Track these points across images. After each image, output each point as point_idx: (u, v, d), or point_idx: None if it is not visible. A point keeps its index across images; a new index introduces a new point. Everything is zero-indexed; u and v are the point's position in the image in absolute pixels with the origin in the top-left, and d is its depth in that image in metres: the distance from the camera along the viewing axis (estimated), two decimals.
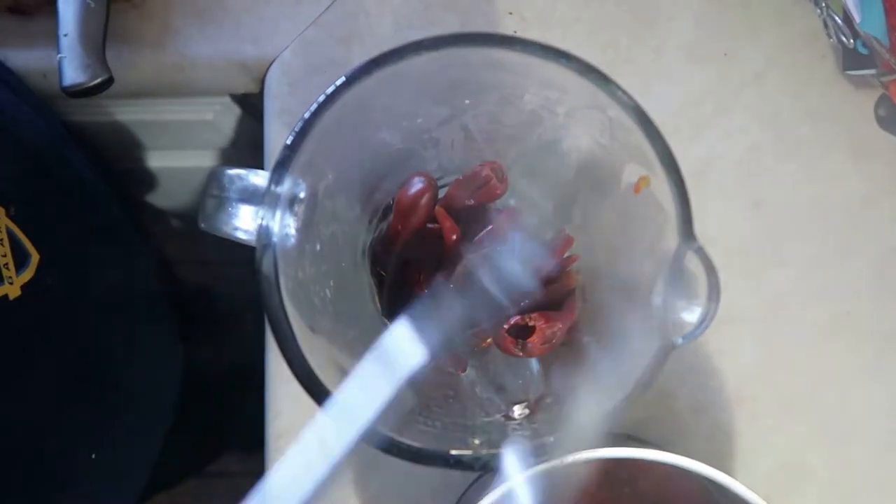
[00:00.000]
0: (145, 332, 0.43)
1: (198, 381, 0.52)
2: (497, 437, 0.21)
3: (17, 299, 0.31)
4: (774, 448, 0.35)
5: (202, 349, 0.55)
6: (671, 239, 0.20)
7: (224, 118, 0.47)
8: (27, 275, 0.31)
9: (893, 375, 0.35)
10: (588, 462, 0.27)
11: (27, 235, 0.32)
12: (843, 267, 0.36)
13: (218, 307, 0.65)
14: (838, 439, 0.35)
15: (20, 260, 0.31)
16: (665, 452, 0.28)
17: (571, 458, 0.27)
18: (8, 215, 0.31)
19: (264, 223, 0.20)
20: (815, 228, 0.36)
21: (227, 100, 0.45)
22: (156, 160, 0.52)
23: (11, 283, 0.30)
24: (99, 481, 0.39)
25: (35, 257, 0.32)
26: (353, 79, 0.21)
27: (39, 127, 0.37)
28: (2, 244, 0.30)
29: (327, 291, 0.25)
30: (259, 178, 0.23)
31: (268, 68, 0.38)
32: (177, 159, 0.52)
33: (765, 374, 0.35)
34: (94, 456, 0.36)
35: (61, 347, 0.34)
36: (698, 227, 0.36)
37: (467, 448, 0.20)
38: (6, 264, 0.30)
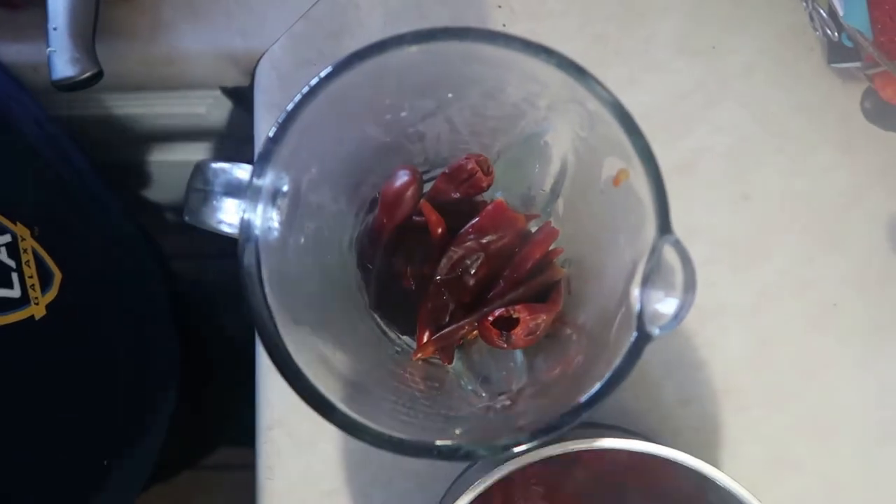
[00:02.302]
0: (151, 333, 0.43)
1: (192, 375, 0.52)
2: (478, 428, 0.22)
3: (42, 319, 0.31)
4: (761, 439, 0.35)
5: (197, 342, 0.55)
6: (650, 231, 0.20)
7: (216, 111, 0.47)
8: (51, 294, 0.32)
9: (879, 367, 0.36)
10: (574, 453, 0.27)
11: (50, 255, 0.32)
12: (830, 259, 0.36)
13: (211, 300, 0.65)
14: (825, 430, 0.35)
15: (45, 280, 0.32)
16: (652, 443, 0.28)
17: (557, 448, 0.27)
18: (33, 236, 0.32)
19: (246, 217, 0.21)
20: (802, 221, 0.36)
21: (219, 93, 0.45)
22: (148, 154, 0.52)
23: (37, 304, 0.31)
24: (109, 486, 0.39)
25: (58, 276, 0.33)
26: (335, 72, 0.21)
27: (52, 140, 0.37)
28: (28, 266, 0.31)
29: (312, 284, 0.25)
30: (243, 172, 0.23)
31: (258, 61, 0.38)
32: (169, 152, 0.52)
33: (752, 365, 0.36)
34: (105, 462, 0.37)
35: (82, 361, 0.35)
36: (687, 219, 0.36)
37: (449, 438, 0.20)
38: (32, 285, 0.31)
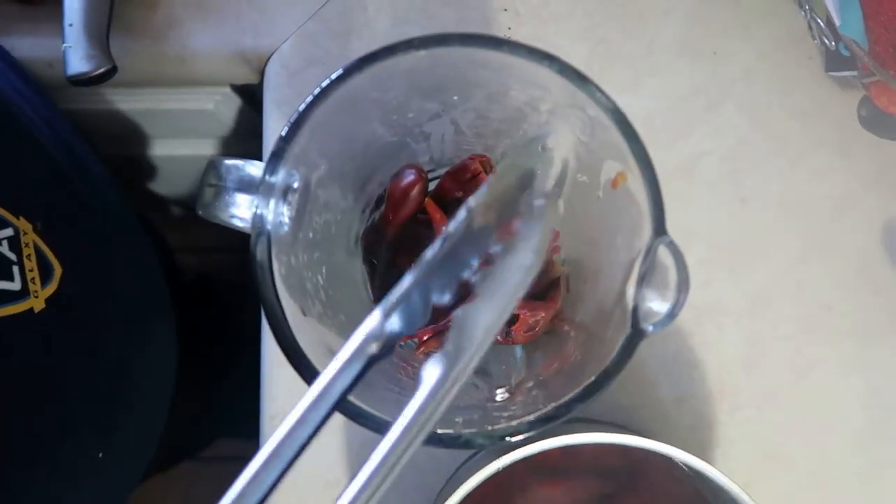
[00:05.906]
0: (150, 327, 0.44)
1: (195, 367, 0.53)
2: (477, 418, 0.22)
3: (41, 312, 0.32)
4: (754, 437, 0.36)
5: (200, 335, 0.56)
6: (646, 233, 0.21)
7: (225, 108, 0.48)
8: (51, 288, 0.32)
9: (872, 369, 0.36)
10: (569, 448, 0.28)
11: (51, 249, 0.33)
12: (825, 262, 0.37)
13: (216, 294, 0.66)
14: (816, 430, 0.36)
15: (45, 273, 0.32)
16: (647, 439, 0.28)
17: (552, 442, 0.28)
18: (35, 231, 0.32)
19: (259, 211, 0.21)
20: (799, 224, 0.37)
21: (228, 90, 0.46)
22: (157, 149, 0.53)
23: (37, 297, 0.31)
24: (106, 478, 0.40)
25: (58, 270, 0.33)
26: (345, 74, 0.22)
27: (58, 135, 0.38)
28: (29, 259, 0.31)
29: (320, 277, 0.25)
30: (255, 168, 0.24)
31: (267, 60, 0.39)
32: (178, 148, 0.53)
33: (747, 365, 0.36)
34: (101, 455, 0.37)
35: (80, 354, 0.35)
36: (685, 220, 0.37)
37: (448, 427, 0.21)
38: (33, 278, 0.31)
